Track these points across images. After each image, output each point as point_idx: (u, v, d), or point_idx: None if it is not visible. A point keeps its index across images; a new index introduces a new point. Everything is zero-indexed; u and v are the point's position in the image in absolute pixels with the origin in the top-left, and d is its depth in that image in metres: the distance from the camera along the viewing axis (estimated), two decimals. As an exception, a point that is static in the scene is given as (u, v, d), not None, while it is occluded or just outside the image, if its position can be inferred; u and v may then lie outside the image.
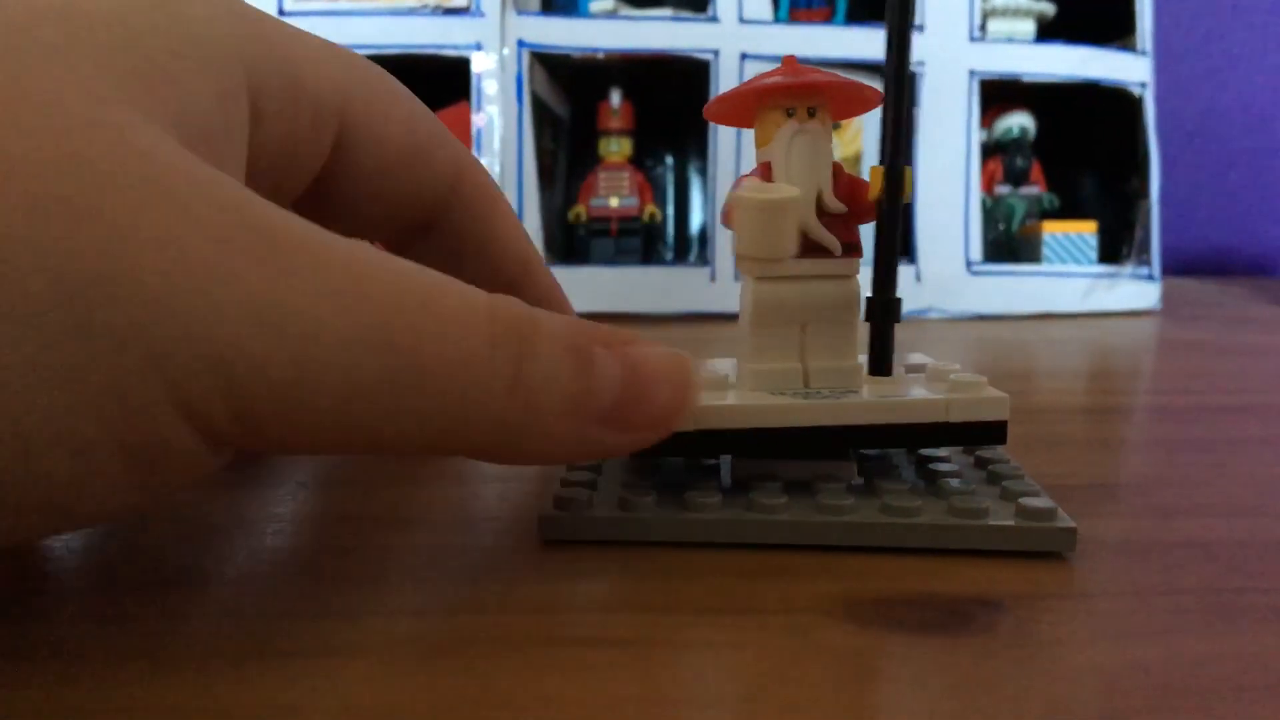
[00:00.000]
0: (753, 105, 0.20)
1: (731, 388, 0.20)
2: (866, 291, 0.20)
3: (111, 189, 0.12)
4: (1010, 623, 0.15)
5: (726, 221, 0.20)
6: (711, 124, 0.57)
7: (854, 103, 0.20)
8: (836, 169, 0.20)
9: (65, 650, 0.14)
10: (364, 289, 0.13)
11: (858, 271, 0.20)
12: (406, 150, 0.19)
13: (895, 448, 0.21)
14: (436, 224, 0.21)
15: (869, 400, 0.19)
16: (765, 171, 0.20)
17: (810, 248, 0.20)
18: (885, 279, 0.20)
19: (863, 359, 0.21)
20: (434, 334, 0.14)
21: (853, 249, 0.20)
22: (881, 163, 0.19)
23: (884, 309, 0.20)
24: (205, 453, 0.13)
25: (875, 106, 0.20)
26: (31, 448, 0.12)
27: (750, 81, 0.20)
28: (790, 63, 0.20)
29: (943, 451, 0.22)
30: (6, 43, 0.13)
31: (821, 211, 0.20)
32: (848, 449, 0.20)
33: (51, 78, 0.13)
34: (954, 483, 0.19)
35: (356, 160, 0.19)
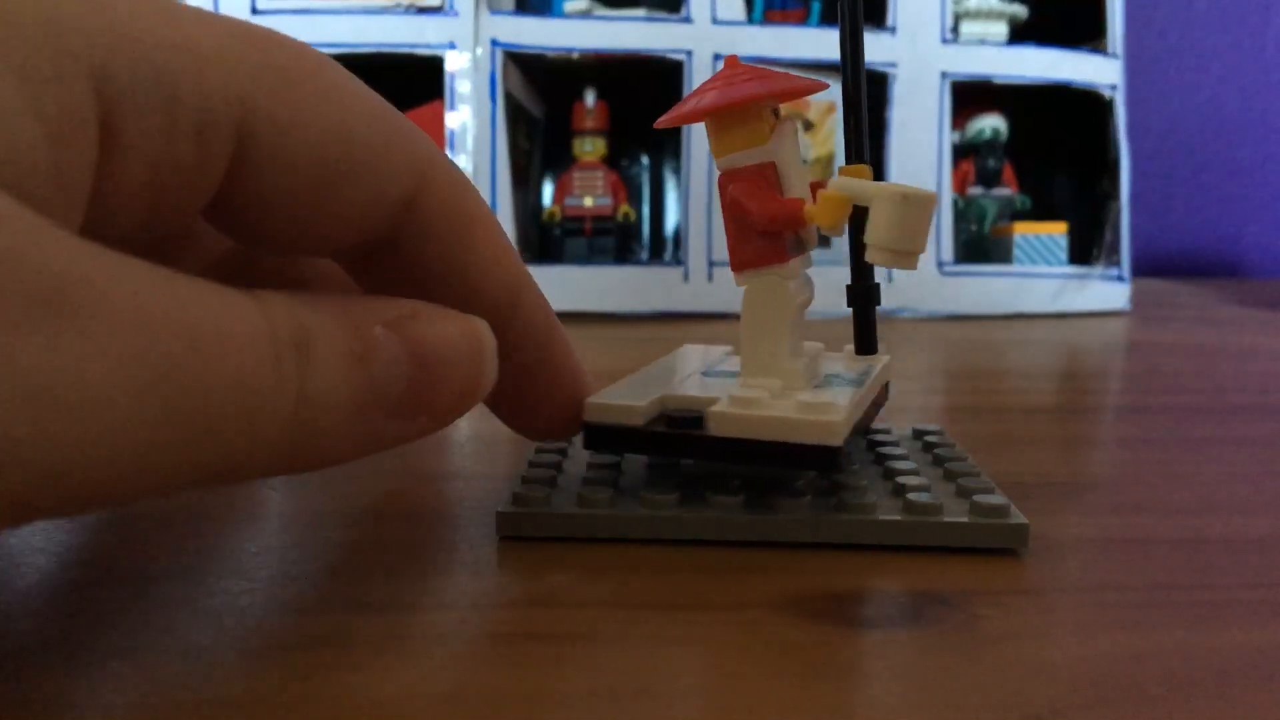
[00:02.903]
0: (756, 107, 0.19)
1: (820, 390, 0.20)
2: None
3: None
4: (959, 618, 0.15)
5: (808, 218, 0.19)
6: (685, 130, 0.58)
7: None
8: None
9: (38, 643, 0.14)
10: (154, 336, 0.12)
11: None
12: (334, 164, 0.15)
13: None
14: (393, 246, 0.17)
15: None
16: (772, 172, 0.19)
17: (800, 244, 0.20)
18: (865, 266, 0.20)
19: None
20: (222, 371, 0.12)
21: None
22: (858, 160, 0.19)
23: (865, 295, 0.21)
24: None
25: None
26: None
27: (753, 83, 0.19)
28: (733, 62, 0.20)
29: (900, 448, 0.22)
30: None
31: None
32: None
33: None
34: (909, 480, 0.19)
35: (262, 178, 0.15)
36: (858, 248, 0.19)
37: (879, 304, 0.21)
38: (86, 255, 0.11)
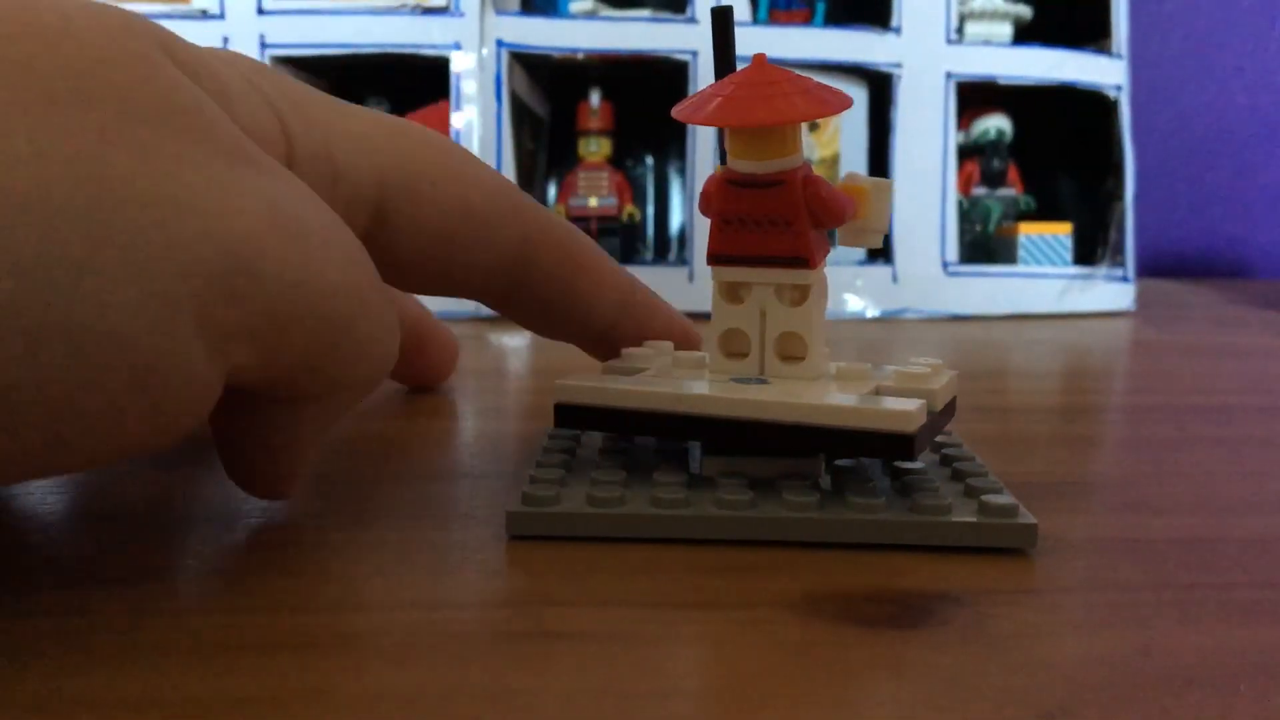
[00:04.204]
0: None
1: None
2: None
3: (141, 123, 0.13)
4: (968, 617, 0.15)
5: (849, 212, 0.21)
6: (690, 128, 0.58)
7: None
8: None
9: (34, 641, 0.14)
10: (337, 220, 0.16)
11: None
12: (453, 233, 0.20)
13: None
14: (515, 291, 0.22)
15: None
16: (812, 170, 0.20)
17: None
18: None
19: None
20: (374, 285, 0.16)
21: None
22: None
23: None
24: (211, 372, 0.14)
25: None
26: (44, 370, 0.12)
27: (824, 93, 0.20)
28: (762, 61, 0.20)
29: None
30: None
31: None
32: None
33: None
34: (917, 480, 0.19)
35: (395, 243, 0.19)
36: None
37: None
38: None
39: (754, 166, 0.20)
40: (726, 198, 0.20)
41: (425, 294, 0.21)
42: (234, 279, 0.13)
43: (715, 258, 0.21)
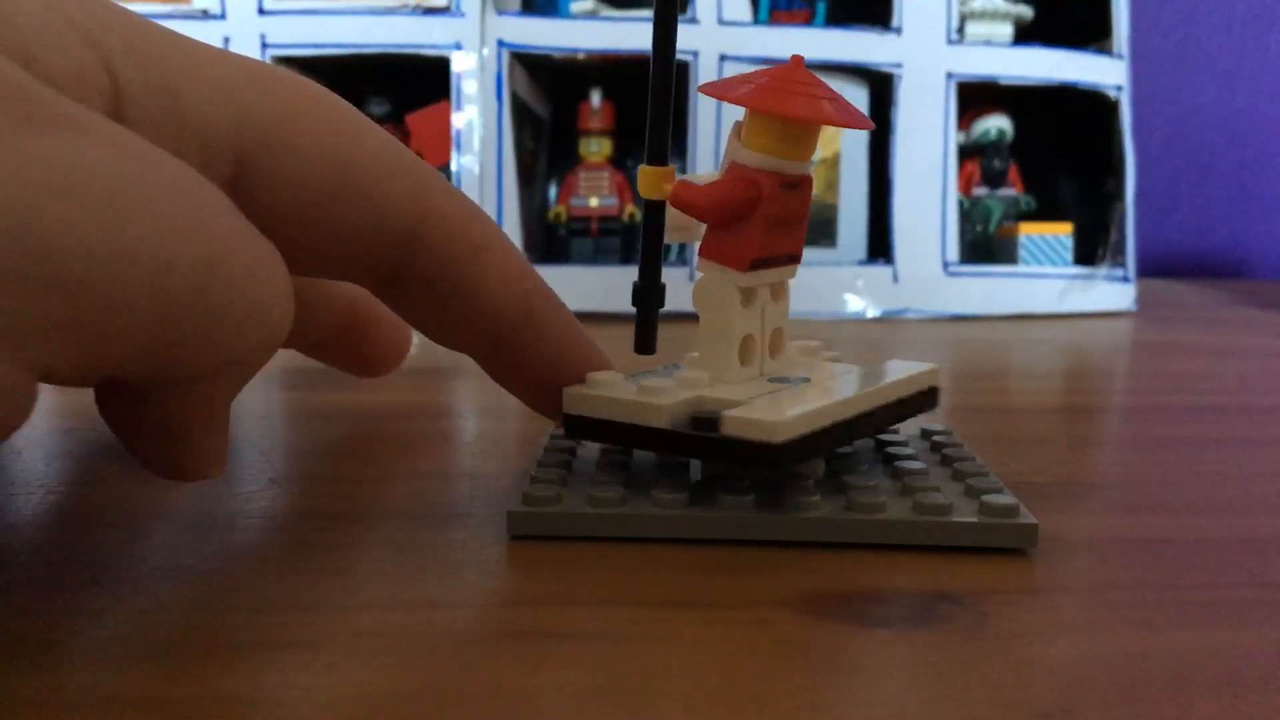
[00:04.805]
0: None
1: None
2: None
3: None
4: (970, 617, 0.15)
5: None
6: (691, 125, 0.58)
7: None
8: None
9: (35, 641, 0.14)
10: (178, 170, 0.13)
11: None
12: (332, 191, 0.17)
13: None
14: (402, 273, 0.18)
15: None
16: None
17: None
18: (652, 266, 0.21)
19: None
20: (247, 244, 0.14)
21: None
22: (650, 162, 0.20)
23: (650, 294, 0.21)
24: (12, 378, 0.12)
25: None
26: None
27: (844, 103, 0.19)
28: (799, 63, 0.19)
29: (909, 449, 0.22)
30: None
31: None
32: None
33: None
34: (918, 480, 0.19)
35: (261, 198, 0.16)
36: (650, 245, 0.21)
37: (663, 305, 0.21)
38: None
39: (801, 167, 0.19)
40: (776, 200, 0.19)
41: (303, 273, 0.18)
42: (17, 262, 0.11)
43: (755, 262, 0.20)
